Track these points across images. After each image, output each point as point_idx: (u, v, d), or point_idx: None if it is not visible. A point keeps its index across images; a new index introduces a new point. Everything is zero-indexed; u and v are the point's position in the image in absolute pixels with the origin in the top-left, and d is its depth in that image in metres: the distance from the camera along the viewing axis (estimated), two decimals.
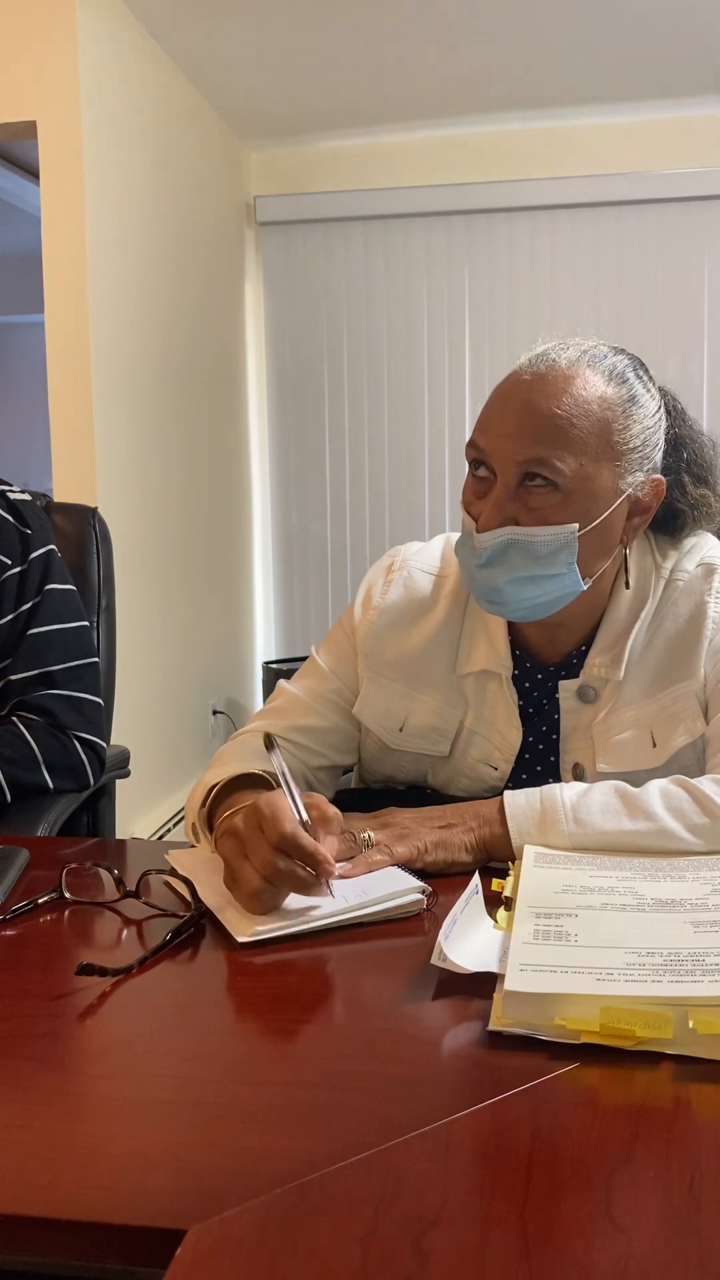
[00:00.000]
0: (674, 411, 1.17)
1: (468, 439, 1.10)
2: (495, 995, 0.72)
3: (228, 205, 4.17)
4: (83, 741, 1.47)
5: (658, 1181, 0.54)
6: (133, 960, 0.80)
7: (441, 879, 0.95)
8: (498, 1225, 0.51)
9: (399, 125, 4.12)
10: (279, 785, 0.94)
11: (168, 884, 0.94)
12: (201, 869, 0.97)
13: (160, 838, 3.39)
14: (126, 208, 3.22)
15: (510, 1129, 0.59)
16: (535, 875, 0.91)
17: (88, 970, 0.77)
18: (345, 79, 3.68)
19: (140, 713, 3.25)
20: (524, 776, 1.20)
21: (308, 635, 4.58)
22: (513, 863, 0.97)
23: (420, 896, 0.90)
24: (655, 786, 1.01)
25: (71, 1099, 0.64)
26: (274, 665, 4.28)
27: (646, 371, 1.13)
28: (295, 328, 4.44)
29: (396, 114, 4.01)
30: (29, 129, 2.93)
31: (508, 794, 1.01)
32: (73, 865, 0.96)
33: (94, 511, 1.73)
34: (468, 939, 0.80)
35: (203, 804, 1.05)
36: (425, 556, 1.27)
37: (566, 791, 1.00)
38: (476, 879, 0.87)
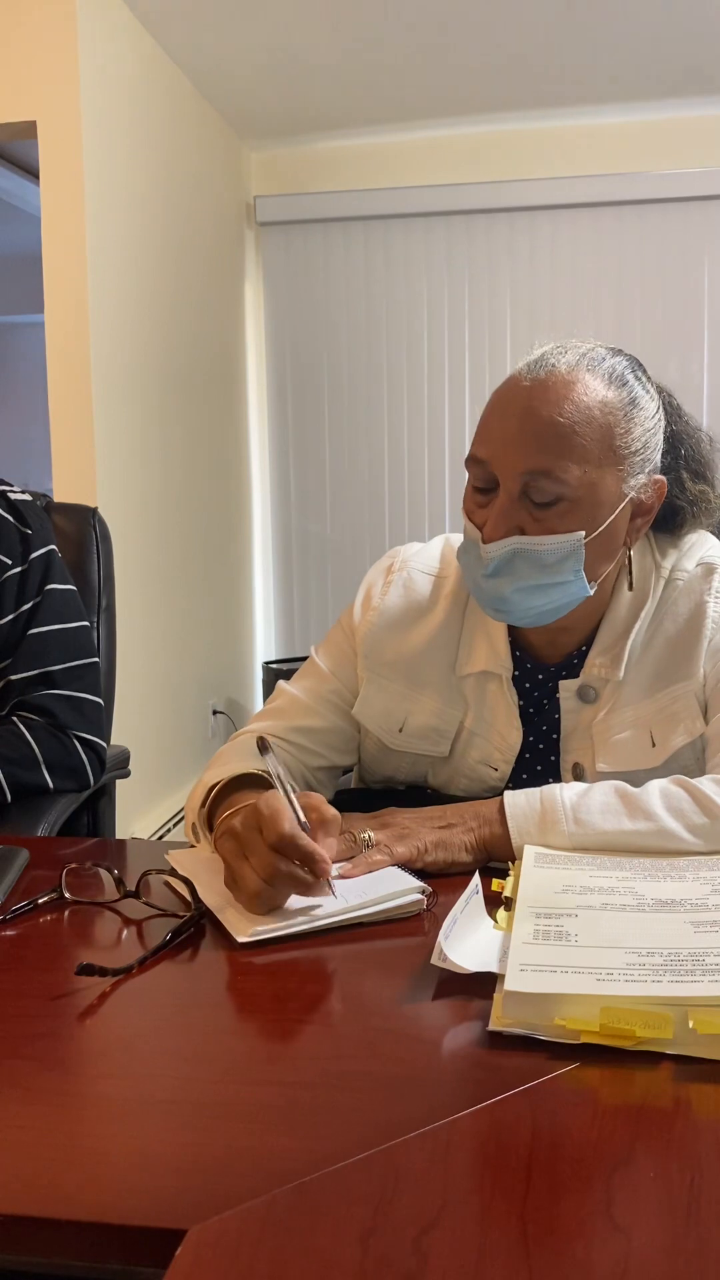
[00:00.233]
0: (670, 408, 1.16)
1: (468, 441, 1.09)
2: (495, 995, 0.72)
3: (228, 205, 4.17)
4: (83, 741, 1.47)
5: (658, 1181, 0.54)
6: (133, 960, 0.80)
7: (441, 879, 0.95)
8: (498, 1225, 0.51)
9: (399, 125, 4.12)
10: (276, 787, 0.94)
11: (168, 884, 0.94)
12: (201, 869, 0.97)
13: (160, 838, 3.39)
14: (126, 208, 3.22)
15: (510, 1129, 0.59)
16: (535, 875, 0.91)
17: (88, 970, 0.77)
18: (345, 79, 3.68)
19: (140, 713, 3.25)
20: (524, 776, 1.20)
21: (308, 635, 4.58)
22: (513, 863, 0.97)
23: (420, 896, 0.90)
24: (655, 787, 1.01)
25: (71, 1099, 0.64)
26: (274, 665, 4.28)
27: (644, 371, 1.13)
28: (295, 328, 4.44)
29: (396, 114, 4.01)
30: (29, 129, 2.93)
31: (508, 794, 1.01)
32: (73, 865, 0.96)
33: (94, 511, 1.73)
34: (468, 939, 0.80)
35: (202, 804, 1.05)
36: (425, 557, 1.27)
37: (566, 791, 1.00)
38: (476, 879, 0.87)
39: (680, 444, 1.17)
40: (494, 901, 0.87)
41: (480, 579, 1.08)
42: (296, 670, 1.30)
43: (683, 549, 1.19)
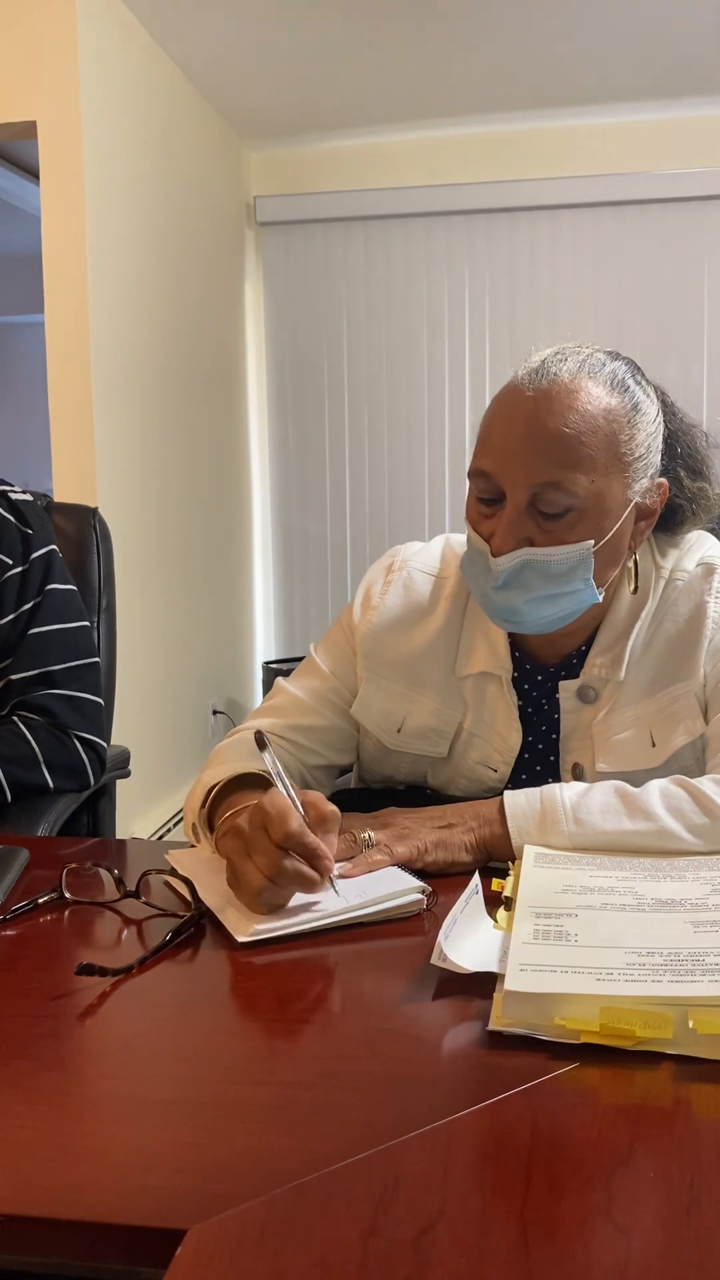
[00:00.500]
0: (665, 407, 1.16)
1: (468, 440, 1.09)
2: (495, 995, 0.72)
3: (228, 205, 4.17)
4: (83, 741, 1.47)
5: (658, 1181, 0.54)
6: (133, 960, 0.80)
7: (441, 879, 0.95)
8: (498, 1225, 0.51)
9: (399, 125, 4.12)
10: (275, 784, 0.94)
11: (168, 884, 0.94)
12: (201, 869, 0.97)
13: (160, 838, 3.39)
14: (126, 208, 3.22)
15: (510, 1129, 0.59)
16: (535, 875, 0.91)
17: (88, 970, 0.77)
18: (345, 79, 3.68)
19: (140, 713, 3.25)
20: (523, 776, 1.20)
21: (307, 635, 4.58)
22: (513, 863, 0.97)
23: (420, 896, 0.90)
24: (655, 786, 1.01)
25: (71, 1099, 0.64)
26: (274, 665, 4.28)
27: (642, 374, 1.13)
28: (295, 328, 4.44)
29: (396, 114, 4.01)
30: (29, 129, 2.93)
31: (508, 794, 1.01)
32: (73, 865, 0.96)
33: (94, 511, 1.73)
34: (468, 939, 0.80)
35: (202, 804, 1.05)
36: (425, 557, 1.27)
37: (566, 791, 1.00)
38: (476, 879, 0.87)
39: (676, 442, 1.17)
40: (494, 901, 0.87)
41: (490, 591, 1.07)
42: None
43: (683, 549, 1.19)
